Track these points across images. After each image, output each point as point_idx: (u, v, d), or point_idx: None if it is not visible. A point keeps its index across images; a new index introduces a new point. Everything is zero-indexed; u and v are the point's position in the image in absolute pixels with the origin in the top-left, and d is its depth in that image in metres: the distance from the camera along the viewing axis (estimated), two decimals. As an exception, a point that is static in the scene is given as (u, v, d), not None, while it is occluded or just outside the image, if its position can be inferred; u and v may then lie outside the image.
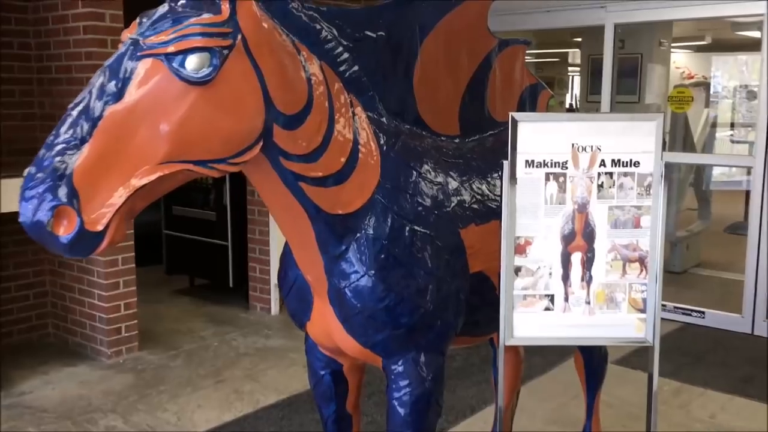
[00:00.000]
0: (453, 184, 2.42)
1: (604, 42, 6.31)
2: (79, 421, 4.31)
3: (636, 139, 2.35)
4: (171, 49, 1.75)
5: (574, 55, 12.15)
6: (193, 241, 6.66)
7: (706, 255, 8.08)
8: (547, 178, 2.36)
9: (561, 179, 2.36)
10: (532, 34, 7.98)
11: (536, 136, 2.35)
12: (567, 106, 12.59)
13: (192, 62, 1.75)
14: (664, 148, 2.36)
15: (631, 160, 2.36)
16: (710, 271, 7.79)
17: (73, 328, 5.37)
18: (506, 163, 2.34)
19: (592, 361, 3.32)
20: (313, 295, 2.40)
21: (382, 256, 2.25)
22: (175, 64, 1.75)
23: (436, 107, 2.56)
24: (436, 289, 2.31)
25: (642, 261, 2.41)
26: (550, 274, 2.41)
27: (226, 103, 1.85)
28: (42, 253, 5.40)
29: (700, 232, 7.97)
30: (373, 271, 2.25)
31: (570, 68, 13.33)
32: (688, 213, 8.49)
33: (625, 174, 2.37)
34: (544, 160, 2.35)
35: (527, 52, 2.98)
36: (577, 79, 12.72)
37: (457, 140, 2.60)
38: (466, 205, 2.43)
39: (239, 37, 1.85)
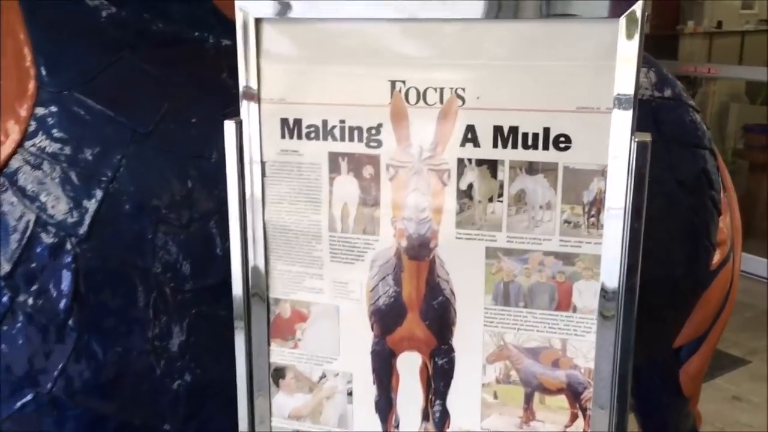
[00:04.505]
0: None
1: None
2: None
3: (564, 76, 0.85)
4: None
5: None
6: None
7: None
8: (335, 168, 0.95)
9: (368, 171, 0.94)
10: None
11: (305, 60, 0.94)
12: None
13: None
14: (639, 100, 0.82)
15: (546, 131, 0.86)
16: None
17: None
18: (230, 127, 0.96)
19: None
20: None
21: None
22: None
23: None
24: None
25: (576, 394, 0.92)
26: (350, 393, 1.01)
27: None
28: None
29: None
30: None
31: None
32: None
33: (532, 168, 0.88)
34: (325, 123, 0.94)
35: None
36: None
37: None
38: None
39: None
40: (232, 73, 1.25)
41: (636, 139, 0.82)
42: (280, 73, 0.94)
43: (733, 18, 5.36)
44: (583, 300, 0.90)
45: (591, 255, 0.88)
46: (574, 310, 0.90)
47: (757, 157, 4.27)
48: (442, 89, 0.88)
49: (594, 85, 0.84)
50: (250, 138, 0.96)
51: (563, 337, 0.91)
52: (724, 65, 4.35)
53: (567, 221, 0.88)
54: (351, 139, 0.93)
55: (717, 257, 1.32)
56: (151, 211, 1.12)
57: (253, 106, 0.95)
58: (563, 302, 0.90)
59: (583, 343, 0.91)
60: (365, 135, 0.92)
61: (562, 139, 0.86)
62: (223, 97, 1.22)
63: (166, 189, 1.13)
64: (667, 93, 1.31)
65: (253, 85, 0.94)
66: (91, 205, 1.07)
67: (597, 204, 0.87)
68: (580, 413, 0.93)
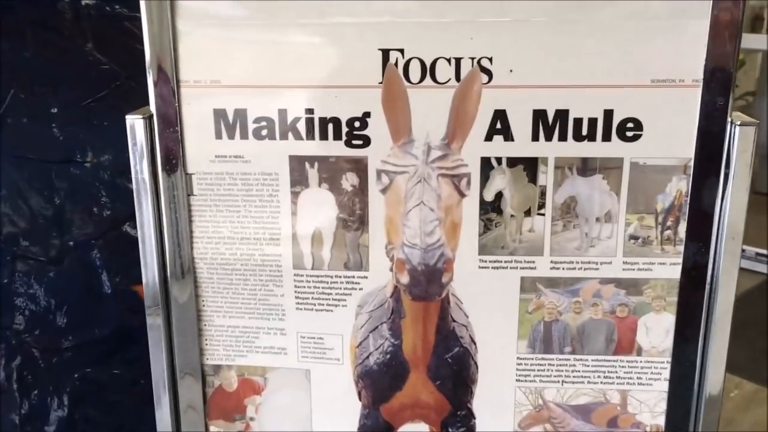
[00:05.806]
0: None
1: None
2: None
3: (633, 38, 0.60)
4: None
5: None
6: None
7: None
8: (299, 179, 0.65)
9: (350, 181, 0.65)
10: None
11: (248, 22, 0.63)
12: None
13: None
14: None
15: (608, 115, 0.62)
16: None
17: None
18: (136, 126, 0.64)
19: None
20: None
21: None
22: None
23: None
24: None
25: (639, 460, 0.71)
26: (329, 484, 0.73)
27: None
28: None
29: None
30: None
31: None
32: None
33: (586, 167, 0.64)
34: (283, 114, 0.64)
35: None
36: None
37: None
38: None
39: None
40: (99, 43, 0.92)
41: (737, 123, 0.60)
42: (210, 41, 0.63)
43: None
44: (651, 339, 0.67)
45: (665, 280, 0.65)
46: (639, 352, 0.68)
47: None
48: (458, 60, 0.61)
49: (676, 51, 0.60)
50: (167, 140, 0.64)
51: (624, 388, 0.69)
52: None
53: (634, 237, 0.65)
54: (323, 137, 0.64)
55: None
56: (3, 244, 0.79)
57: (169, 91, 0.63)
58: (625, 343, 0.67)
59: (650, 395, 0.68)
60: (345, 129, 0.64)
61: (631, 125, 0.62)
62: (91, 76, 0.89)
63: (22, 211, 0.80)
64: None
65: (167, 60, 0.62)
66: None
67: (675, 212, 0.64)
68: (643, 482, 0.71)
